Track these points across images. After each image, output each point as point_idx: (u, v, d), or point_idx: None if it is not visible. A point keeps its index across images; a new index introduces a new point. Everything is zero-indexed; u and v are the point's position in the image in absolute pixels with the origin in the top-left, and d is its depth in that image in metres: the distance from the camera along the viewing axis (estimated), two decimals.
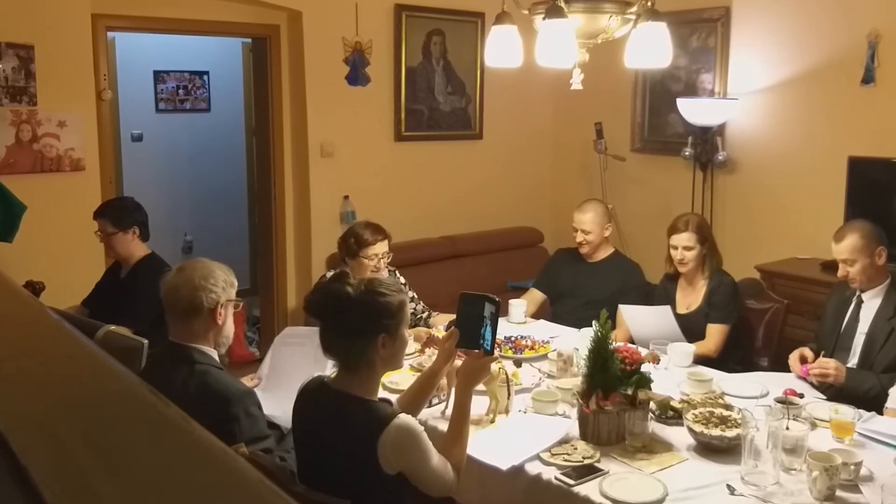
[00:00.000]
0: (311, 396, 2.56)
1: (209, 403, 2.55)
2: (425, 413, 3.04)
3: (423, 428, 2.43)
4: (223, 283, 2.76)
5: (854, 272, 3.56)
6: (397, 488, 2.41)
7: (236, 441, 2.55)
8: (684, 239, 4.09)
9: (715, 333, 4.04)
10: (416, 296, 4.45)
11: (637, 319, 4.08)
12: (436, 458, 2.42)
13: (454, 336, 2.71)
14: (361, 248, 4.09)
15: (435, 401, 3.13)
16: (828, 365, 3.40)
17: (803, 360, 3.61)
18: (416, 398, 2.82)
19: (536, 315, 4.63)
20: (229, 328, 2.82)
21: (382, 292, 2.46)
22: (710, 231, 4.21)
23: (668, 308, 4.02)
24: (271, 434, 2.75)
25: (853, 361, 3.58)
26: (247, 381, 3.16)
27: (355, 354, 2.44)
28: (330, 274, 4.12)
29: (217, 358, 2.77)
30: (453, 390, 3.11)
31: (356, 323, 2.43)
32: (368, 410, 2.42)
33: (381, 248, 4.12)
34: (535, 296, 4.76)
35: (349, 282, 2.48)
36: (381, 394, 3.24)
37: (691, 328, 4.04)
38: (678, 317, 4.07)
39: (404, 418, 2.39)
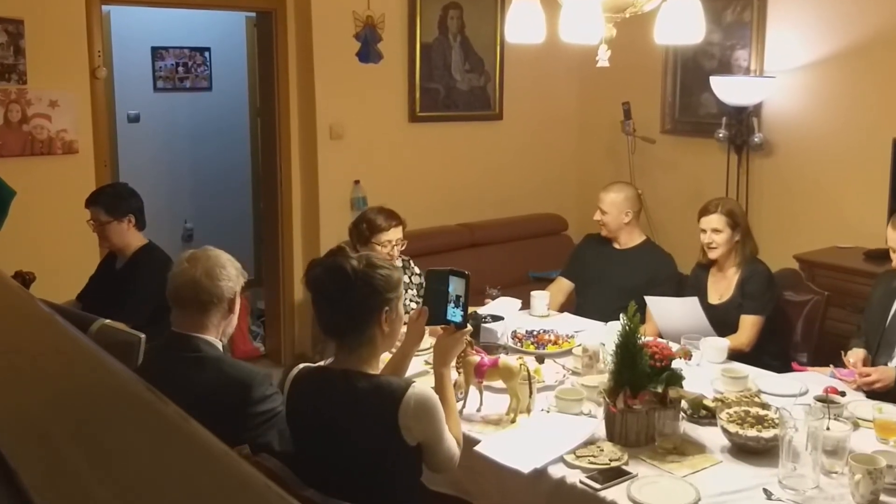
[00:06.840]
0: (310, 382, 2.60)
1: (227, 391, 2.63)
2: None
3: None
4: (236, 272, 2.85)
5: None
6: (415, 464, 2.53)
7: (264, 421, 2.62)
8: (713, 221, 4.08)
9: (748, 326, 4.02)
10: None
11: (663, 311, 4.06)
12: (447, 428, 2.55)
13: (423, 314, 2.80)
14: (374, 234, 4.11)
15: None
16: (868, 372, 3.37)
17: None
18: None
19: (566, 306, 4.63)
20: (236, 317, 2.91)
21: (381, 265, 2.58)
22: (743, 217, 4.20)
23: (695, 300, 4.00)
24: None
25: None
26: None
27: (359, 332, 2.53)
28: None
29: (221, 348, 2.84)
30: (473, 388, 3.12)
31: (362, 299, 2.50)
32: (380, 385, 2.50)
33: (395, 234, 4.13)
34: (563, 284, 4.76)
35: (350, 255, 2.56)
36: None
37: (724, 319, 4.02)
38: (711, 307, 4.05)
39: (420, 387, 2.49)
